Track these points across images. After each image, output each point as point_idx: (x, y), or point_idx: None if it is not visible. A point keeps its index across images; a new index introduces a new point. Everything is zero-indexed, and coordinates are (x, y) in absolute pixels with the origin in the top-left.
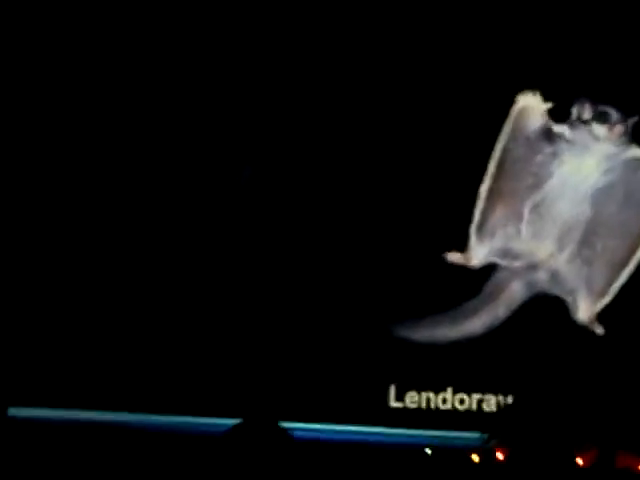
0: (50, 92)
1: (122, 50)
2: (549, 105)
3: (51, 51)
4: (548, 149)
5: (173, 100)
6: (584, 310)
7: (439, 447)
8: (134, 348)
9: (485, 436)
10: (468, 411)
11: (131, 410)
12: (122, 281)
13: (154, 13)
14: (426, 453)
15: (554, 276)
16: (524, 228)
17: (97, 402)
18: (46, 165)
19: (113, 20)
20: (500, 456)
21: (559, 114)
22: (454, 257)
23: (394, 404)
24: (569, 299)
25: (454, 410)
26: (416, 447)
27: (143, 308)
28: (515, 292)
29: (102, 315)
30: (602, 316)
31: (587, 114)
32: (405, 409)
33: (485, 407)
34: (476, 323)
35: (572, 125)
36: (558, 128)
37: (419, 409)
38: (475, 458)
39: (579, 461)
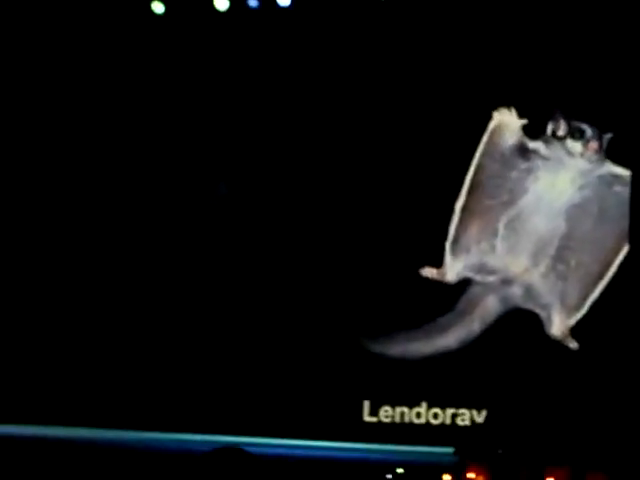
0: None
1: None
2: (524, 121)
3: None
4: (523, 165)
5: (153, 118)
6: (558, 325)
7: (412, 465)
8: (110, 365)
9: (457, 453)
10: (442, 425)
11: (106, 426)
12: (102, 296)
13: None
14: (397, 473)
15: (528, 291)
16: (499, 243)
17: (71, 418)
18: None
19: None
20: (472, 475)
21: (534, 130)
22: (429, 272)
23: (368, 419)
24: (543, 314)
25: (428, 424)
26: (389, 464)
27: (117, 329)
28: (490, 307)
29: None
30: (576, 331)
31: (562, 130)
32: (379, 424)
33: (459, 422)
34: (450, 338)
35: (547, 141)
36: (533, 144)
37: (393, 424)
38: (447, 478)
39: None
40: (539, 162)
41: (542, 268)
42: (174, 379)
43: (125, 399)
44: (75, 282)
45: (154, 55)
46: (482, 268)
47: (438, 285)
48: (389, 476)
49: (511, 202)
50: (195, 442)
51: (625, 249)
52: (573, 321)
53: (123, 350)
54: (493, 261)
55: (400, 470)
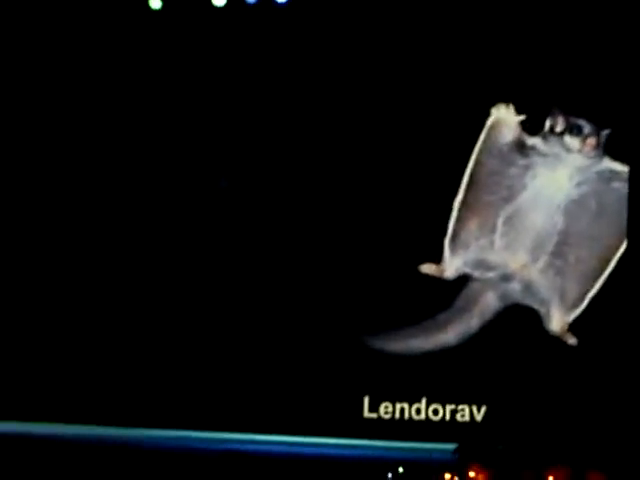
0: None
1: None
2: (522, 118)
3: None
4: (521, 161)
5: (152, 114)
6: (557, 320)
7: (412, 463)
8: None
9: (458, 451)
10: (442, 421)
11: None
12: (101, 293)
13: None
14: (398, 471)
15: (527, 287)
16: (497, 239)
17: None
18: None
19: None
20: (473, 474)
21: (532, 127)
22: (428, 269)
23: (368, 415)
24: (542, 310)
25: (428, 420)
26: (390, 460)
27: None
28: (489, 303)
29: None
30: (575, 326)
31: (560, 126)
32: (379, 420)
33: (459, 417)
34: (450, 334)
35: (545, 137)
36: (531, 140)
37: (393, 420)
38: (448, 477)
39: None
40: (537, 158)
41: (541, 264)
42: (174, 376)
43: (128, 397)
44: (75, 279)
45: (152, 51)
46: (481, 264)
47: (437, 281)
48: (390, 475)
49: (509, 198)
50: (197, 439)
51: (623, 245)
52: (572, 317)
53: (122, 348)
54: (492, 257)
55: (401, 469)
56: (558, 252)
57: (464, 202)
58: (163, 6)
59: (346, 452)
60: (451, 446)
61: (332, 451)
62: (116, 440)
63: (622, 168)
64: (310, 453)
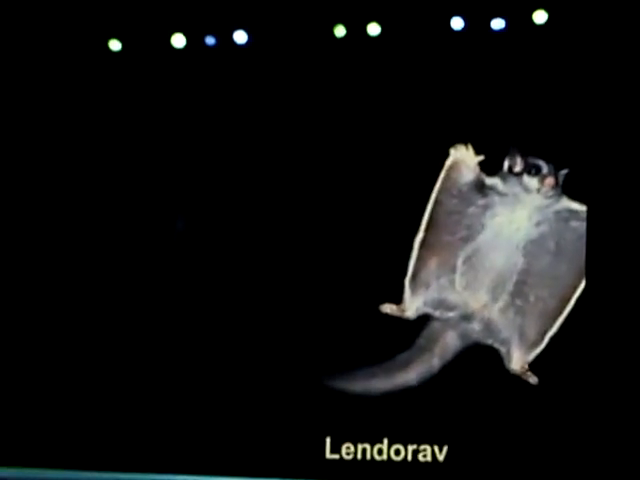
0: None
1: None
2: (481, 158)
3: None
4: (481, 201)
5: (110, 154)
6: (517, 360)
7: None
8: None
9: None
10: (404, 462)
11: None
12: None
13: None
14: None
15: (487, 326)
16: (458, 279)
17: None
18: None
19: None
20: None
21: (491, 167)
22: (389, 308)
23: (330, 456)
24: (503, 349)
25: (390, 461)
26: None
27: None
28: (449, 342)
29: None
30: (535, 366)
31: (518, 167)
32: (341, 460)
33: (420, 458)
34: (411, 374)
35: (504, 177)
36: (490, 180)
37: (355, 460)
38: None
39: None
40: (496, 198)
41: (501, 303)
42: (134, 420)
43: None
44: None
45: (111, 93)
46: (441, 304)
47: (398, 321)
48: None
49: (469, 238)
50: None
51: (582, 284)
52: (532, 356)
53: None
54: (452, 297)
55: None
56: (518, 292)
57: (424, 242)
58: (123, 48)
59: None
60: None
61: None
62: None
63: (580, 208)
64: None
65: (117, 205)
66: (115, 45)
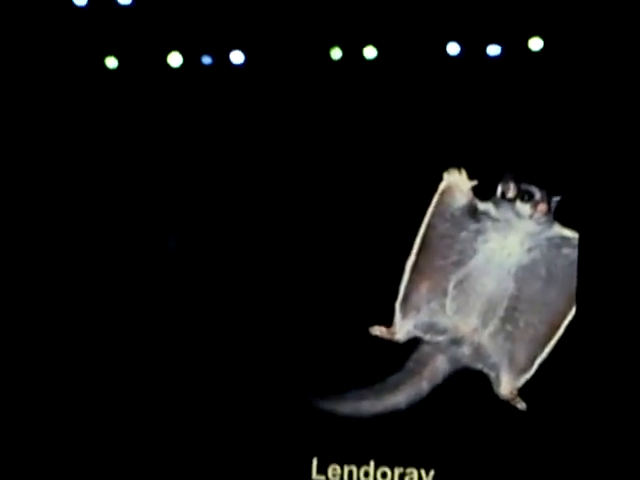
0: None
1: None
2: (474, 183)
3: None
4: (473, 226)
5: (103, 172)
6: (506, 385)
7: None
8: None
9: None
10: None
11: None
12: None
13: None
14: None
15: (477, 351)
16: (448, 303)
17: None
18: None
19: None
20: None
21: (484, 192)
22: (379, 331)
23: (316, 477)
24: (492, 374)
25: None
26: None
27: None
28: (439, 366)
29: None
30: (524, 391)
31: (511, 193)
32: None
33: None
34: (400, 397)
35: (497, 203)
36: (483, 206)
37: None
38: None
39: None
40: (489, 223)
41: (491, 328)
42: (117, 437)
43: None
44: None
45: (107, 110)
46: (432, 328)
47: (388, 344)
48: None
49: (461, 262)
50: None
51: (573, 311)
52: (521, 382)
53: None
54: (443, 321)
55: None
56: (508, 317)
57: (415, 265)
58: (119, 66)
59: None
60: None
61: None
62: None
63: (572, 234)
64: None
65: (112, 217)
66: (112, 62)
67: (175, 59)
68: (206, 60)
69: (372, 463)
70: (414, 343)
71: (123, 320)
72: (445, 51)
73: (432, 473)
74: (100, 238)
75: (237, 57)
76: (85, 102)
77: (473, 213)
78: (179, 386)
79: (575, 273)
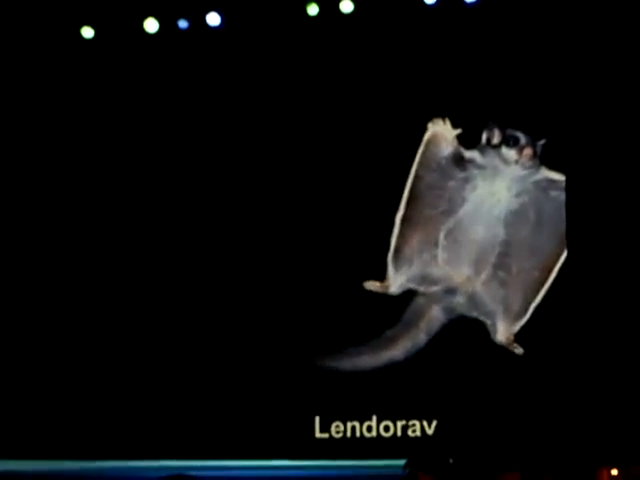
0: None
1: None
2: (459, 131)
3: None
4: (460, 174)
5: (84, 143)
6: (502, 331)
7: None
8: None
9: (409, 466)
10: (393, 438)
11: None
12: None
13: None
14: None
15: (472, 299)
16: (440, 253)
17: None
18: None
19: None
20: None
21: (469, 140)
22: (373, 286)
23: (320, 435)
24: (488, 321)
25: (379, 437)
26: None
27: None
28: (434, 317)
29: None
30: (520, 337)
31: (496, 139)
32: (331, 439)
33: (410, 433)
34: (398, 350)
35: (482, 150)
36: (469, 154)
37: (345, 439)
38: None
39: None
40: (475, 171)
41: (484, 276)
42: (122, 404)
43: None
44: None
45: (85, 80)
46: (425, 279)
47: (383, 298)
48: None
49: (450, 212)
50: (147, 468)
51: (564, 254)
52: (517, 327)
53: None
54: (435, 271)
55: None
56: (500, 264)
57: (405, 217)
58: (95, 35)
59: (299, 473)
60: (403, 462)
61: (285, 473)
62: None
63: (559, 177)
64: (263, 475)
65: (85, 191)
66: (88, 32)
67: (152, 25)
68: (182, 24)
69: (374, 418)
70: (409, 295)
71: (119, 289)
72: (422, 0)
73: (435, 423)
74: (73, 207)
75: (214, 19)
76: (63, 73)
77: (459, 162)
78: (178, 349)
79: (564, 215)
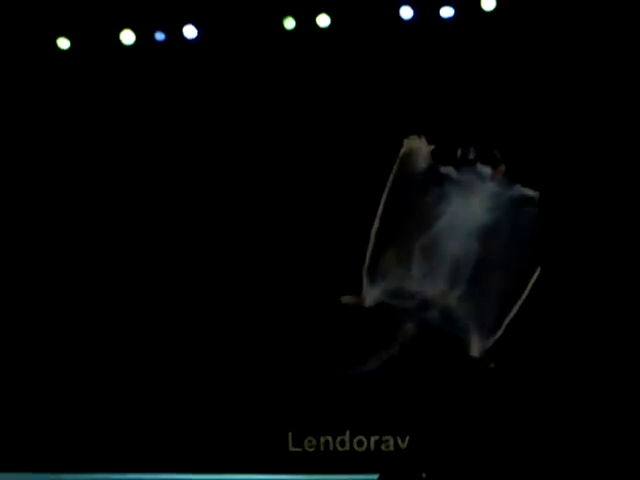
0: None
1: None
2: (434, 147)
3: None
4: (435, 190)
5: (59, 156)
6: (476, 346)
7: None
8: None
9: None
10: (366, 452)
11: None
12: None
13: None
14: None
15: (446, 314)
16: (415, 268)
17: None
18: None
19: None
20: None
21: (445, 156)
22: (347, 299)
23: (293, 449)
24: (462, 336)
25: (352, 452)
26: None
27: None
28: (409, 331)
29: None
30: (494, 352)
31: (472, 155)
32: (304, 453)
33: (383, 448)
34: (371, 365)
35: (458, 166)
36: (444, 169)
37: (318, 453)
38: None
39: None
40: (451, 186)
41: (458, 291)
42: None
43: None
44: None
45: (61, 92)
46: (399, 293)
47: (357, 312)
48: None
49: (425, 226)
50: None
51: (538, 270)
52: (491, 342)
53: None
54: (410, 286)
55: None
56: (475, 278)
57: (380, 231)
58: (71, 46)
59: None
60: (375, 477)
61: None
62: None
63: (533, 193)
64: None
65: (65, 193)
66: (64, 43)
67: (128, 37)
68: (159, 37)
69: (347, 432)
70: (383, 309)
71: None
72: (399, 15)
73: (408, 438)
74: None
75: (190, 32)
76: (38, 84)
77: (435, 177)
78: (157, 358)
79: (537, 231)
